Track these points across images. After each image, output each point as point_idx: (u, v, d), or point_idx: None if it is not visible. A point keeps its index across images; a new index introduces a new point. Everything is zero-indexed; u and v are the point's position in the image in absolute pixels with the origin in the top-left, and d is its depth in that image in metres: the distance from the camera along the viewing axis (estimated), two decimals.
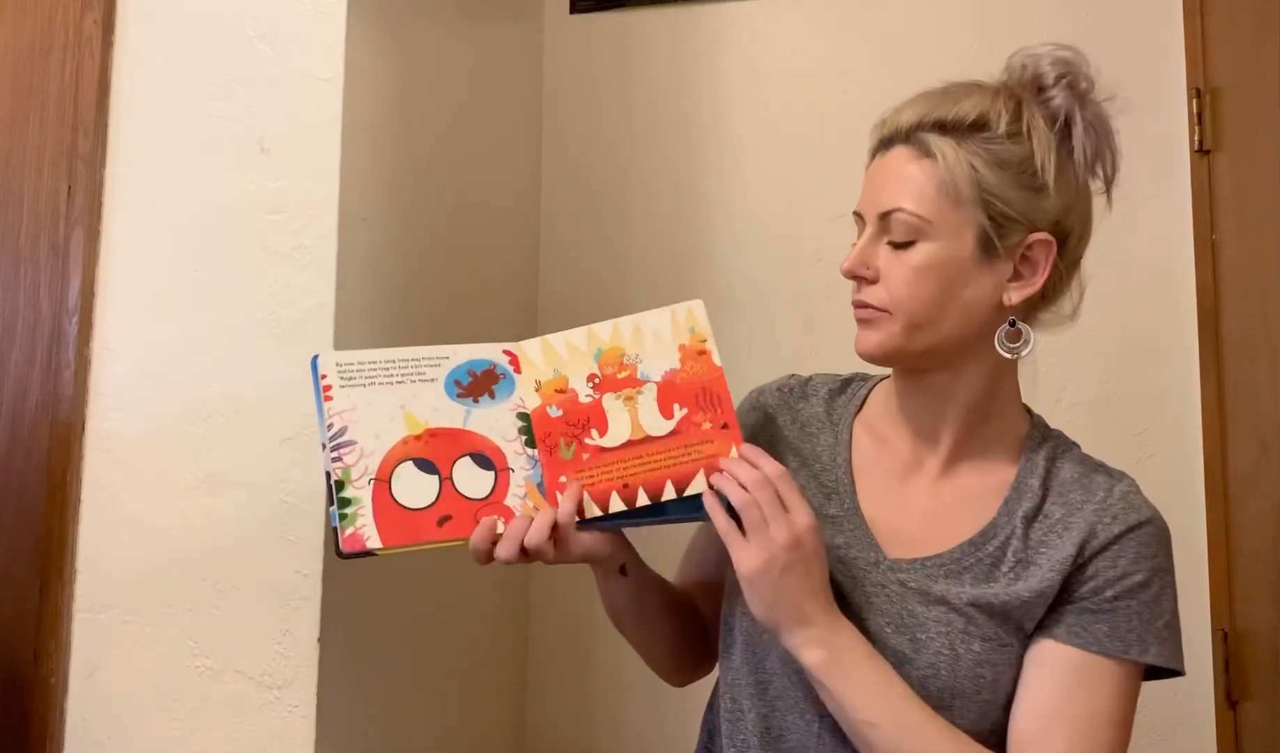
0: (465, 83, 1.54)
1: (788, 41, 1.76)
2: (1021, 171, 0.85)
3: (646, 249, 1.79)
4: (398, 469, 0.90)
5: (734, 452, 0.90)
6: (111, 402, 1.21)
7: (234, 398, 1.18)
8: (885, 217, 0.86)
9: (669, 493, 0.90)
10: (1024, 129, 0.85)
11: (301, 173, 1.18)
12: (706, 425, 0.92)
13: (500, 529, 0.89)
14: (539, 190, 1.85)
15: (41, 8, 1.25)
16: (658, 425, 0.92)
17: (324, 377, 0.92)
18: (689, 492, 0.90)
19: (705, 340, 0.95)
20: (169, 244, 1.21)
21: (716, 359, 0.94)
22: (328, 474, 0.89)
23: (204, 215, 1.21)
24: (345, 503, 0.88)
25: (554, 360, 0.95)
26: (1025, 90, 0.87)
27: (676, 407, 0.93)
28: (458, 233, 1.51)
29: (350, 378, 0.92)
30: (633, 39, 1.83)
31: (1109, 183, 0.89)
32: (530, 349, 0.96)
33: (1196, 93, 1.55)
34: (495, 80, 1.67)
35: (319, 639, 1.13)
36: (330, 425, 0.90)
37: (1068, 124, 0.86)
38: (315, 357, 0.93)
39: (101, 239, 1.23)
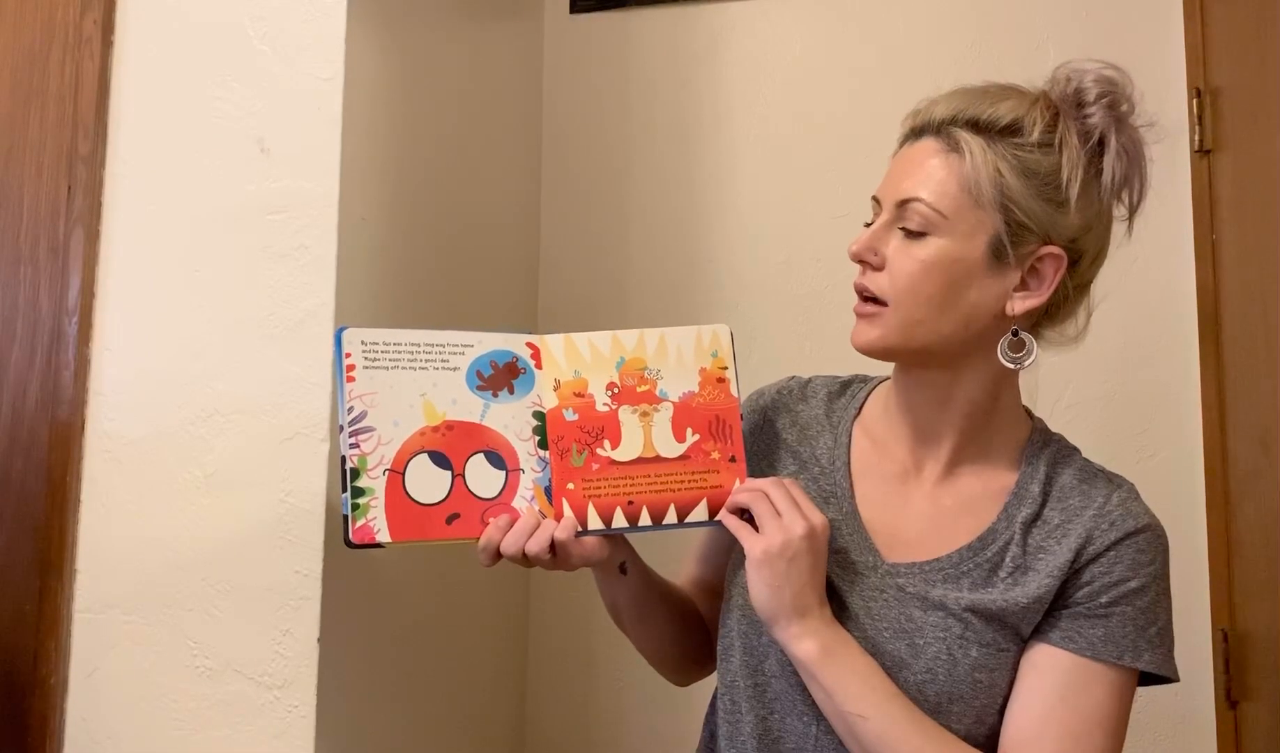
0: (465, 83, 1.54)
1: (788, 41, 1.77)
2: (1046, 183, 0.84)
3: (646, 248, 1.79)
4: (412, 461, 0.90)
5: (737, 485, 0.92)
6: (111, 402, 1.21)
7: (234, 398, 1.18)
8: (903, 205, 0.86)
9: (671, 517, 0.92)
10: (1056, 141, 0.84)
11: (301, 173, 1.18)
12: (715, 455, 0.93)
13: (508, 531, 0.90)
14: (539, 190, 1.85)
15: (41, 8, 1.25)
16: (669, 447, 0.93)
17: (348, 355, 0.91)
18: (690, 519, 0.92)
19: (726, 368, 0.95)
20: (169, 244, 1.21)
21: (734, 389, 0.94)
22: (343, 458, 0.89)
23: (204, 215, 1.21)
24: (359, 493, 0.88)
25: (576, 361, 0.95)
26: (1065, 103, 0.86)
27: (689, 431, 0.93)
28: (458, 233, 1.51)
29: (374, 359, 0.91)
30: (633, 39, 1.83)
31: (1133, 211, 0.88)
32: (553, 345, 0.95)
33: (1196, 93, 1.55)
34: (495, 80, 1.67)
35: (319, 639, 1.13)
36: (350, 408, 0.90)
37: (1101, 144, 0.85)
38: (340, 330, 0.92)
39: (101, 239, 1.23)
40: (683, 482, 0.92)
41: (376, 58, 1.26)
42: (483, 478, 0.91)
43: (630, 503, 0.92)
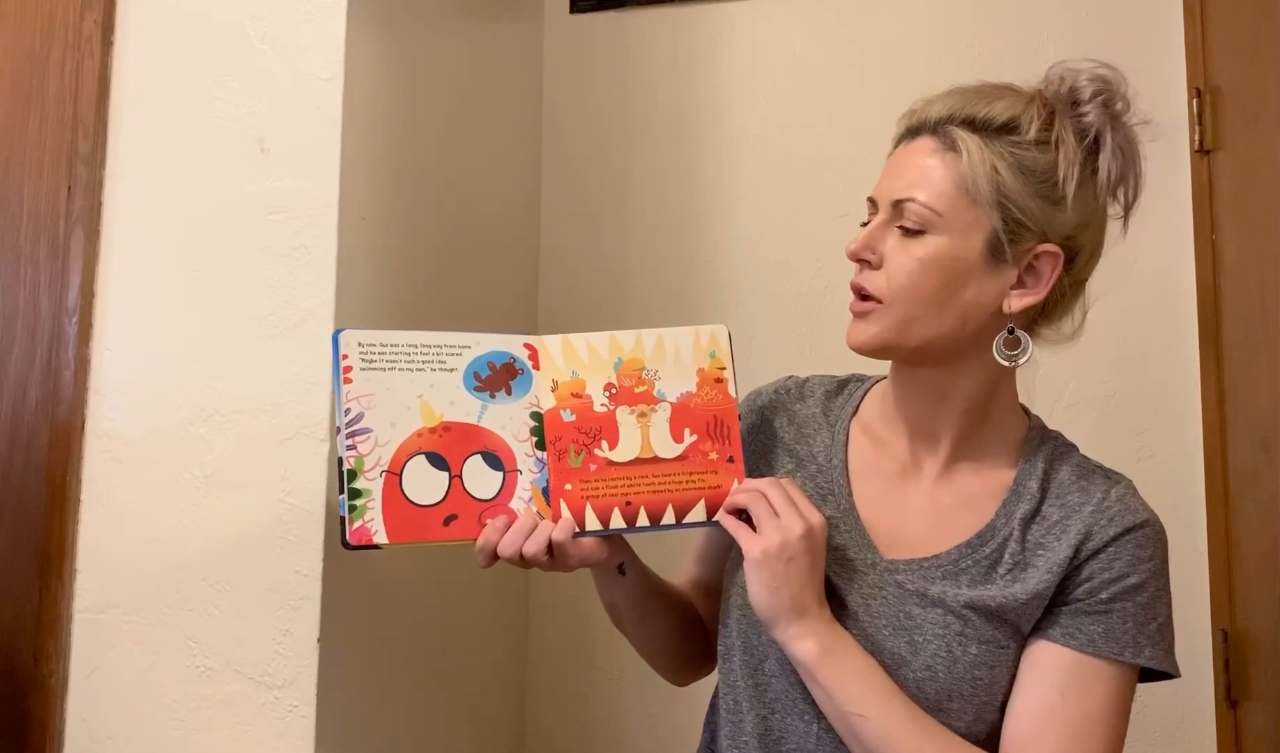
0: (465, 83, 1.54)
1: (788, 42, 1.77)
2: (1042, 181, 0.84)
3: (646, 248, 1.79)
4: (410, 462, 0.90)
5: (735, 486, 0.91)
6: (111, 402, 1.21)
7: (234, 398, 1.18)
8: (899, 204, 0.86)
9: (669, 518, 0.91)
10: (1052, 139, 0.85)
11: (301, 173, 1.18)
12: (713, 456, 0.92)
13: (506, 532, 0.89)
14: (539, 190, 1.85)
15: (41, 8, 1.26)
16: (667, 448, 0.93)
17: (345, 356, 0.91)
18: (688, 520, 0.91)
19: (724, 369, 0.95)
20: (169, 244, 1.21)
21: (732, 390, 0.94)
22: (340, 460, 0.89)
23: (204, 215, 1.21)
24: (356, 495, 0.88)
25: (573, 362, 0.95)
26: (1060, 102, 0.87)
27: (687, 432, 0.93)
28: (458, 232, 1.51)
29: (371, 361, 0.91)
30: (633, 39, 1.83)
31: (1128, 209, 0.89)
32: (551, 346, 0.95)
33: (1196, 93, 1.55)
34: (495, 80, 1.67)
35: (319, 639, 1.13)
36: (348, 410, 0.90)
37: (1096, 143, 0.86)
38: (337, 332, 0.92)
39: (101, 239, 1.23)
40: (681, 482, 0.92)
41: (376, 58, 1.26)
42: (480, 479, 0.91)
43: (628, 504, 0.91)
